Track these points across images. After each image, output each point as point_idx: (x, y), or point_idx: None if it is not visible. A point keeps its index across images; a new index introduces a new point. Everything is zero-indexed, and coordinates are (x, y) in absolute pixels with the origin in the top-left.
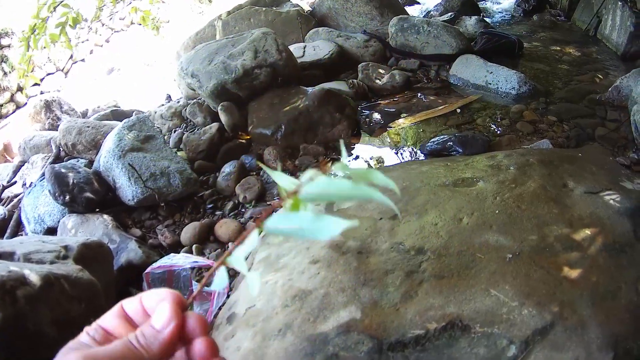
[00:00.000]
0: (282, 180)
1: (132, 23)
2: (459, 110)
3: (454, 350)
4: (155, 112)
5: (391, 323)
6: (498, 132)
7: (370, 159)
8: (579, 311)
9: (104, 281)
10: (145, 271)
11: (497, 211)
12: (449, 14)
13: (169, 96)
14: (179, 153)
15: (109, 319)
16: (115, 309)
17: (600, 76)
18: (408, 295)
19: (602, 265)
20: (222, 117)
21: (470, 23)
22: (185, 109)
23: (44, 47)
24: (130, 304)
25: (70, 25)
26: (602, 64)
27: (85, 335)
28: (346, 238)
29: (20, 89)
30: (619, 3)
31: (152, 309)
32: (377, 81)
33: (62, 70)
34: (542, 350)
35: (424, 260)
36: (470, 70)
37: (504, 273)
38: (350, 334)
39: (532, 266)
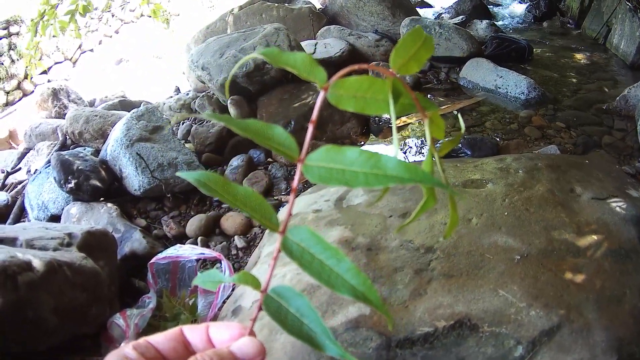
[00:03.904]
0: None
1: (142, 15)
2: (456, 112)
3: (462, 348)
4: (164, 104)
5: (400, 320)
6: (506, 136)
7: None
8: (585, 314)
9: (108, 270)
10: (150, 261)
11: (505, 213)
12: (460, 17)
13: (178, 88)
14: (187, 145)
15: (162, 340)
16: (172, 332)
17: (608, 85)
18: (417, 293)
19: (607, 271)
20: (232, 110)
21: (481, 27)
22: (194, 102)
23: (53, 35)
24: (192, 331)
25: (80, 13)
26: (611, 73)
27: (132, 350)
28: (355, 234)
29: (27, 76)
30: (629, 13)
31: (220, 340)
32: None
33: (71, 59)
34: (548, 351)
35: (433, 258)
36: (480, 73)
37: (512, 274)
38: (359, 330)
39: (540, 268)
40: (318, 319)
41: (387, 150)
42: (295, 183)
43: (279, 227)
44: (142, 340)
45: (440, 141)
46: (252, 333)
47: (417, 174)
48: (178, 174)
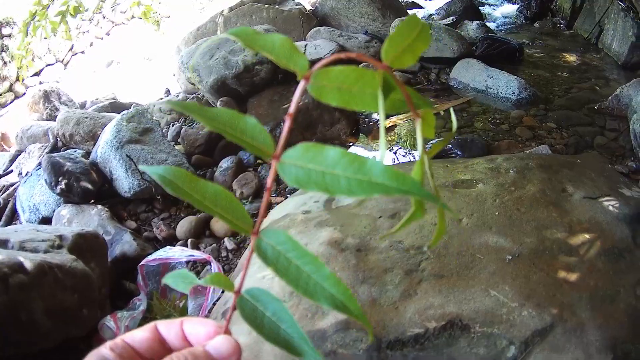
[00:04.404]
0: None
1: (133, 17)
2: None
3: (454, 349)
4: (154, 106)
5: (390, 321)
6: (497, 136)
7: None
8: (578, 313)
9: (98, 272)
10: (140, 263)
11: (496, 213)
12: (451, 17)
13: (168, 90)
14: (176, 147)
15: (139, 338)
16: (147, 328)
17: (600, 85)
18: (407, 293)
19: (601, 270)
20: None
21: (472, 27)
22: None
23: (45, 37)
24: (167, 327)
25: (70, 14)
26: (603, 72)
27: (109, 351)
28: (345, 235)
29: (18, 78)
30: (621, 13)
31: (195, 335)
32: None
33: (62, 61)
34: (541, 351)
35: (424, 259)
36: (471, 74)
37: (504, 274)
38: (349, 331)
39: (532, 268)
40: (295, 324)
41: (376, 150)
42: (269, 182)
43: (251, 228)
44: (119, 339)
45: (430, 141)
46: (227, 331)
47: (405, 183)
48: (141, 167)
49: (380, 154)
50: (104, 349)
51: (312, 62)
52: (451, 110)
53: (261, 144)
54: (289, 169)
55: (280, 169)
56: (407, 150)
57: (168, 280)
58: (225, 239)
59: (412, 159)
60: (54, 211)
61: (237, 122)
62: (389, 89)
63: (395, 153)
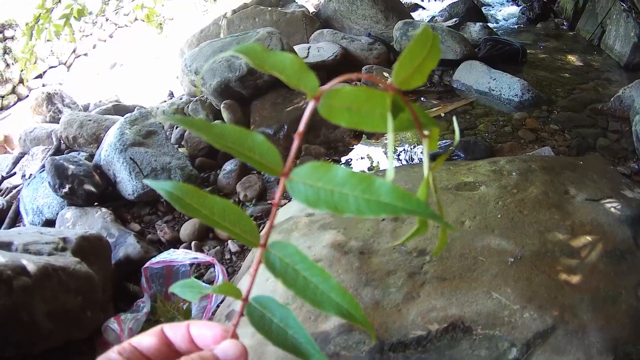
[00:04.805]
0: None
1: (136, 19)
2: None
3: (456, 351)
4: (158, 108)
5: (393, 323)
6: (500, 138)
7: (371, 161)
8: (579, 315)
9: (102, 275)
10: (144, 266)
11: (499, 215)
12: (454, 19)
13: (172, 93)
14: (180, 149)
15: (146, 342)
16: (154, 332)
17: (602, 86)
18: (410, 296)
19: (602, 271)
20: (225, 115)
21: (474, 29)
22: (188, 106)
23: (48, 40)
24: (173, 330)
25: (74, 17)
26: (605, 74)
27: (117, 355)
28: (348, 238)
29: (22, 80)
30: (624, 14)
31: (202, 338)
32: (381, 85)
33: (65, 63)
34: (543, 353)
35: (426, 262)
36: (474, 76)
37: (506, 276)
38: (352, 334)
39: (534, 270)
40: (302, 329)
41: (379, 152)
42: (276, 199)
43: (259, 241)
44: (126, 343)
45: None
46: (234, 335)
47: (411, 203)
48: (146, 181)
49: (388, 174)
50: (112, 353)
51: (316, 66)
52: (454, 121)
53: (270, 162)
54: (298, 187)
55: (289, 187)
56: (413, 154)
57: (176, 289)
58: (229, 241)
59: (412, 162)
60: (57, 214)
61: (245, 139)
62: (398, 110)
63: (402, 157)
